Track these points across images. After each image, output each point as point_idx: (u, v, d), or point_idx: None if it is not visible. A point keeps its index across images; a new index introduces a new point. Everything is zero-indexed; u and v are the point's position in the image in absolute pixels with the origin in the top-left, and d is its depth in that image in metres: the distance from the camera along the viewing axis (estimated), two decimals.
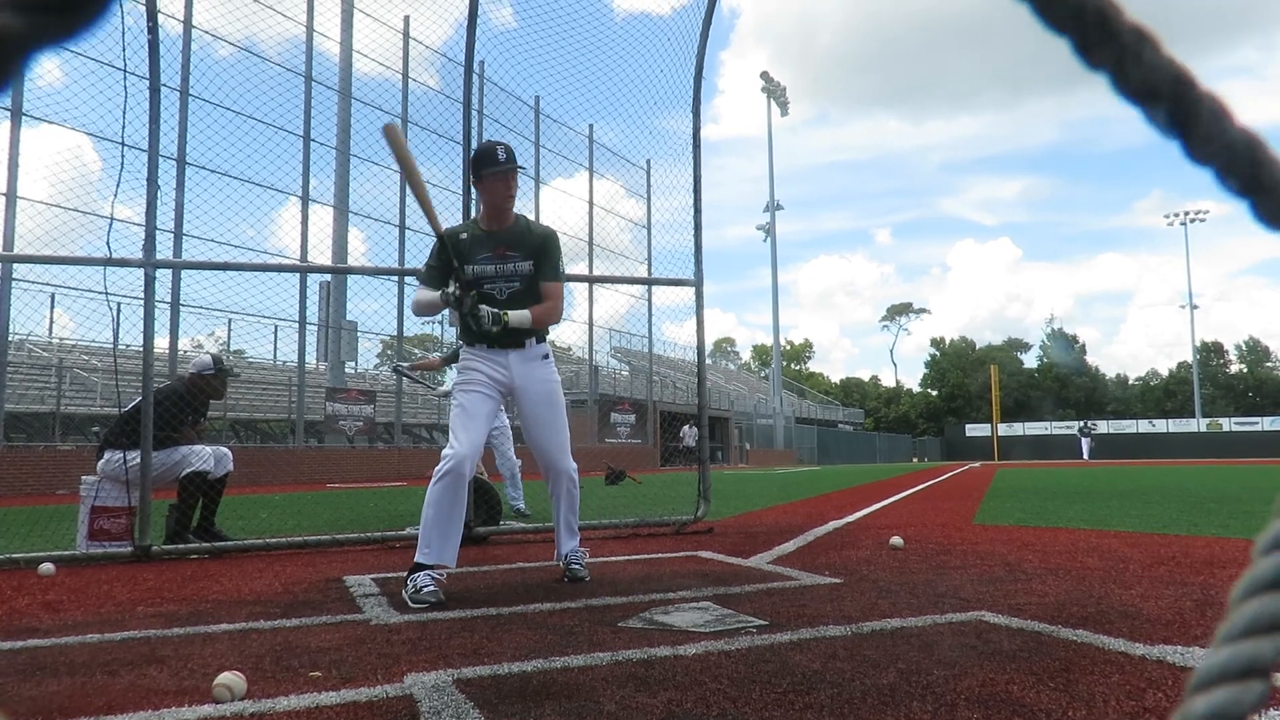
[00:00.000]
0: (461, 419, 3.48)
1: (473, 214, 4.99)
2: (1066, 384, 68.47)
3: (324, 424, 19.54)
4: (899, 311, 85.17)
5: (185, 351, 16.97)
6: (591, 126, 25.55)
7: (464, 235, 3.61)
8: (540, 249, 3.63)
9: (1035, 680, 2.00)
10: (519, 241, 3.60)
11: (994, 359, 67.17)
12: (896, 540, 4.77)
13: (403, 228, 20.69)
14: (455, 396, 3.57)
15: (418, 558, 3.29)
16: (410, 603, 3.12)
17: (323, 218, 19.54)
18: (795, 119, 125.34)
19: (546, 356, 3.70)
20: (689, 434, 26.28)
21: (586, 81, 6.24)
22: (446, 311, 3.78)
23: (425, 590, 3.15)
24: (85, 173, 15.21)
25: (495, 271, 3.56)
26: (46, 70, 17.09)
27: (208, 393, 5.31)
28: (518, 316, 3.49)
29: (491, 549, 4.96)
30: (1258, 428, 49.37)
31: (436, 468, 3.37)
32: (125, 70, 4.75)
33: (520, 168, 3.67)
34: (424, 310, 3.66)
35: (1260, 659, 0.31)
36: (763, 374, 65.36)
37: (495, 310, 3.45)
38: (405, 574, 3.31)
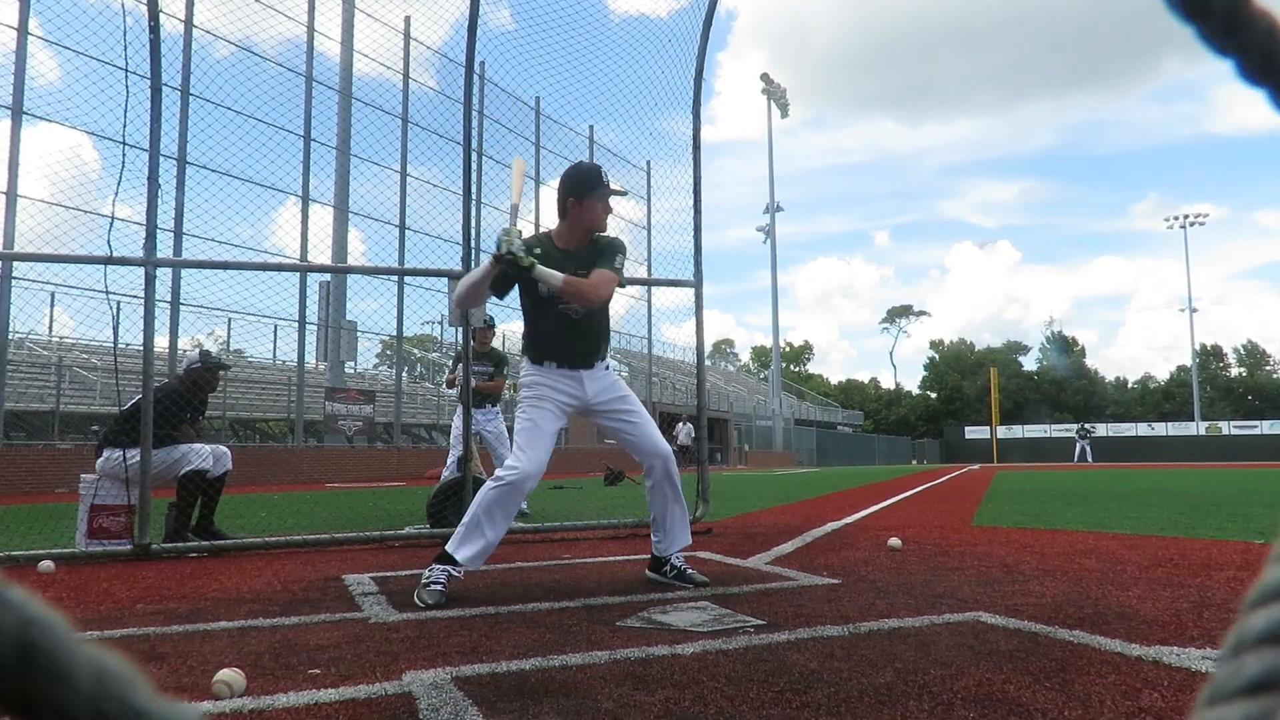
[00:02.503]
0: (532, 435, 3.36)
1: (475, 219, 4.97)
2: (1064, 387, 68.49)
3: (323, 424, 19.52)
4: (899, 314, 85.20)
5: (185, 351, 16.96)
6: (592, 127, 25.53)
7: (537, 250, 3.30)
8: (601, 250, 3.45)
9: (1032, 680, 2.01)
10: (590, 262, 3.40)
11: (993, 361, 67.16)
12: (894, 541, 4.77)
13: (403, 228, 20.67)
14: (526, 411, 3.44)
15: (449, 547, 3.23)
16: (415, 598, 3.13)
17: (323, 217, 19.53)
18: (793, 121, 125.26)
19: (608, 367, 3.70)
20: (683, 431, 26.10)
21: (586, 83, 6.26)
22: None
23: (434, 587, 3.13)
24: (85, 171, 15.21)
25: None
26: (47, 69, 17.13)
27: (202, 386, 5.33)
28: (547, 273, 3.21)
29: None
30: (1256, 431, 49.31)
31: (498, 471, 3.32)
32: (126, 69, 4.77)
33: (624, 191, 3.52)
34: (468, 295, 3.39)
35: (1276, 671, 0.28)
36: (762, 375, 65.40)
37: (524, 256, 3.17)
38: (432, 561, 3.26)
